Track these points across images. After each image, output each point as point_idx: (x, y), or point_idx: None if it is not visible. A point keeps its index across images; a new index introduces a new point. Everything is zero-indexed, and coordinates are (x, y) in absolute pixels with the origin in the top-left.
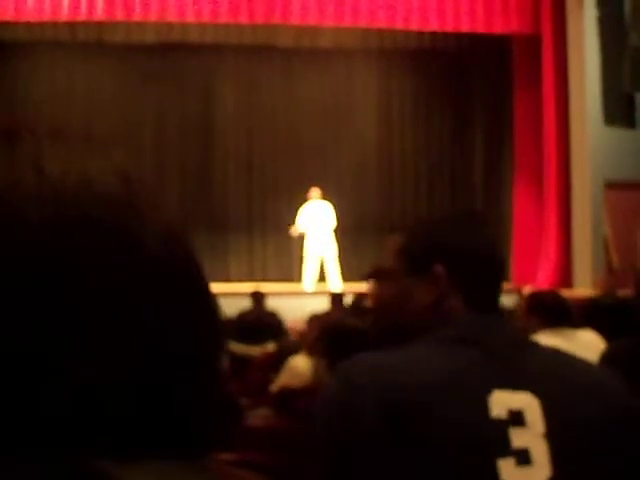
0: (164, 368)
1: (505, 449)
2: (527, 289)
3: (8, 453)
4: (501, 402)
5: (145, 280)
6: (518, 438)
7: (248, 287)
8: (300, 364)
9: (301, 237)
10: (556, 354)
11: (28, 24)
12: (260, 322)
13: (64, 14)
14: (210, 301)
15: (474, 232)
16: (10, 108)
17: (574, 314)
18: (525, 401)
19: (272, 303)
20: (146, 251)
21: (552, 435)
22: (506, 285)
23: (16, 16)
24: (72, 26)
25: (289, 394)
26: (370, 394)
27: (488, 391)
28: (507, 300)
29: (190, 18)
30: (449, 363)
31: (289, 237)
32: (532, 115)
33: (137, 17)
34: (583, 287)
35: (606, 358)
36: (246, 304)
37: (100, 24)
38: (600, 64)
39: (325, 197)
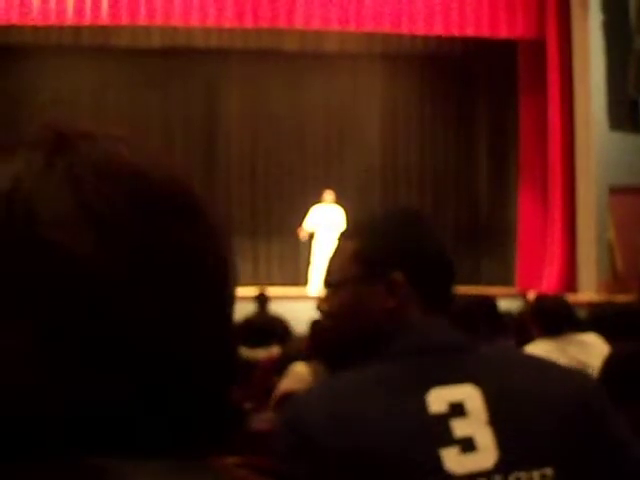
0: (172, 368)
1: (447, 439)
2: (531, 294)
3: (16, 453)
4: (439, 398)
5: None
6: (460, 428)
7: (253, 291)
8: (303, 369)
9: (308, 240)
10: (501, 351)
11: (33, 28)
12: (266, 325)
13: (69, 18)
14: (224, 305)
15: (427, 234)
16: (16, 111)
17: (579, 318)
18: (465, 392)
19: (277, 307)
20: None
21: (496, 421)
22: (511, 290)
23: (21, 20)
24: (77, 30)
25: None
26: (320, 421)
27: (426, 390)
28: (511, 305)
29: (195, 22)
30: (393, 378)
31: (293, 241)
32: (537, 120)
33: (142, 21)
34: (588, 292)
35: (610, 362)
36: (251, 308)
37: (105, 28)
38: (605, 69)
39: (337, 201)
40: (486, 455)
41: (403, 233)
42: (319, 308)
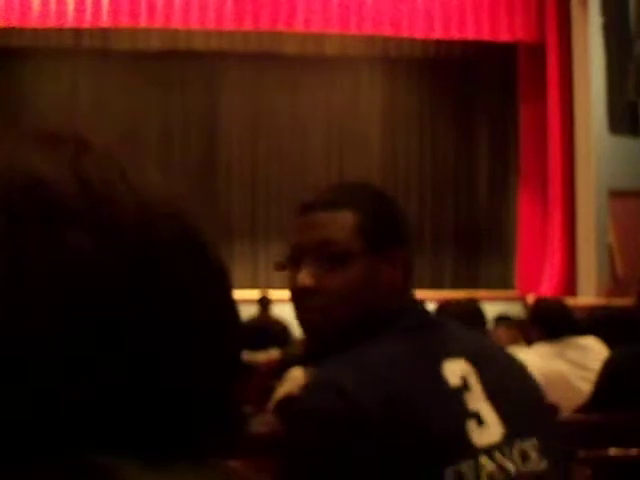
0: (170, 369)
1: (466, 413)
2: (531, 297)
3: (26, 453)
4: (452, 371)
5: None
6: (470, 402)
7: (252, 294)
8: (299, 374)
9: None
10: (459, 327)
11: (33, 30)
12: (265, 328)
13: (69, 20)
14: (230, 312)
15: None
16: (15, 113)
17: (578, 322)
18: (464, 368)
19: (276, 310)
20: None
21: (491, 396)
22: (510, 293)
23: (21, 22)
24: (77, 32)
25: (292, 401)
26: (364, 397)
27: (440, 363)
28: (511, 308)
29: (195, 25)
30: (413, 351)
31: None
32: (537, 123)
33: (142, 23)
34: (587, 295)
35: (609, 365)
36: (251, 311)
37: (105, 31)
38: (605, 72)
39: None
40: (494, 429)
41: (393, 206)
42: (309, 287)
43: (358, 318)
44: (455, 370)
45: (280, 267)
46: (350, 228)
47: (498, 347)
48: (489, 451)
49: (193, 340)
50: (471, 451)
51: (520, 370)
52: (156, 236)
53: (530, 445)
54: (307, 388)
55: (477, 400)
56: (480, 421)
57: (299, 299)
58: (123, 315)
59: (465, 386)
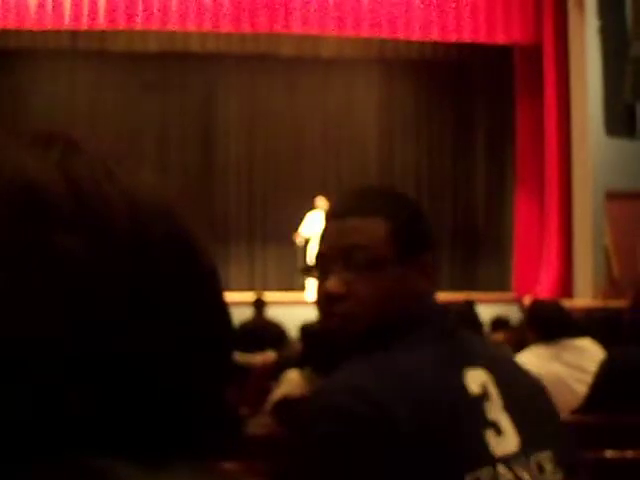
0: (167, 371)
1: (485, 422)
2: (527, 299)
3: (26, 453)
4: (473, 379)
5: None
6: (489, 411)
7: (249, 296)
8: (296, 376)
9: (304, 245)
10: (474, 337)
11: (30, 32)
12: (261, 330)
13: (66, 22)
14: (221, 309)
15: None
16: (12, 115)
17: (574, 324)
18: (483, 377)
19: (273, 312)
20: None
21: (508, 407)
22: (507, 295)
23: (18, 24)
24: (74, 34)
25: (289, 403)
26: (386, 399)
27: (462, 371)
28: (508, 310)
29: (192, 27)
30: (438, 358)
31: (290, 246)
32: (534, 125)
33: (139, 26)
34: (584, 297)
35: (605, 366)
36: (247, 313)
37: (102, 32)
38: (601, 74)
39: None
40: (510, 439)
41: (420, 212)
42: (338, 293)
43: (381, 325)
44: (476, 379)
45: (307, 272)
46: (381, 235)
47: (512, 359)
48: (507, 460)
49: (190, 340)
50: (490, 459)
51: (533, 383)
52: (150, 236)
53: (545, 457)
54: (323, 388)
55: (496, 410)
56: (498, 431)
57: (326, 305)
58: (121, 315)
59: (485, 395)
